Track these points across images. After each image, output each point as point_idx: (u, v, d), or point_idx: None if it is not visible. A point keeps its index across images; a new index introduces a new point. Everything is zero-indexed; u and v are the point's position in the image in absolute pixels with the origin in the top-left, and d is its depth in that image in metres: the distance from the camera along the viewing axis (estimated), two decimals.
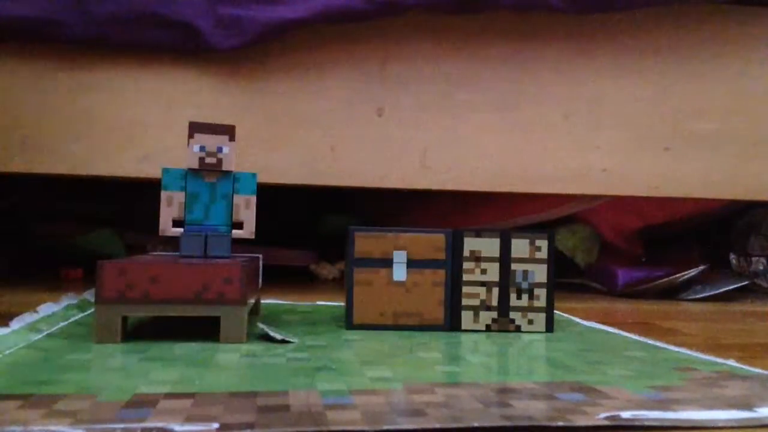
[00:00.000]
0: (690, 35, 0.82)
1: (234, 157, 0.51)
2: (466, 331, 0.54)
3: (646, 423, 0.29)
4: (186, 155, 0.76)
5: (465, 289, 0.55)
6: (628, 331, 0.56)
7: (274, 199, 1.11)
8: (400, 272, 0.54)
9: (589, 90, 0.81)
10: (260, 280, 0.60)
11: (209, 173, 0.51)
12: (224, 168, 0.51)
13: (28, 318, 0.50)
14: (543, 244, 0.55)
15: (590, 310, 0.74)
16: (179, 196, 0.51)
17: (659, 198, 0.84)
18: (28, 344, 0.43)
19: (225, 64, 0.75)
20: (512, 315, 0.55)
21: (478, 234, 0.55)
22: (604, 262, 1.04)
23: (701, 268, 0.90)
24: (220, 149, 0.50)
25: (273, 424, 0.27)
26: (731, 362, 0.44)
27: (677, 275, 0.89)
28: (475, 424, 0.28)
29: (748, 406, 0.32)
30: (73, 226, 1.04)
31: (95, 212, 1.08)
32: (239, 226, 0.51)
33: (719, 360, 0.45)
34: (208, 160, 0.50)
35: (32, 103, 0.73)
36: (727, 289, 0.89)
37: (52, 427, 0.26)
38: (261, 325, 0.49)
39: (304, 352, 0.44)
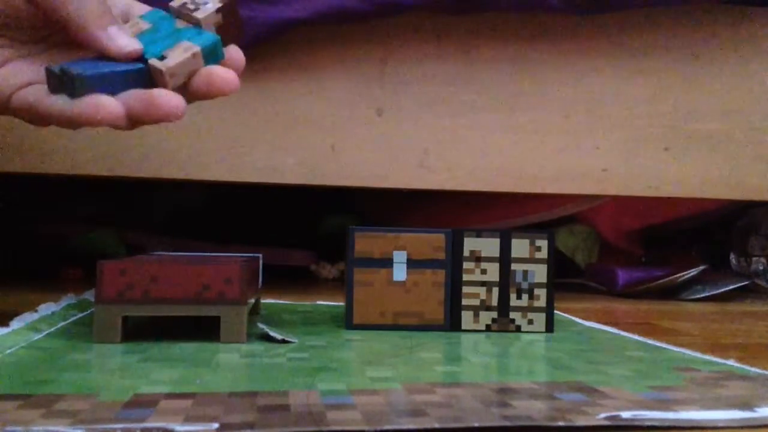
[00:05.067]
0: (690, 35, 0.82)
1: (213, 14, 0.45)
2: (466, 331, 0.55)
3: (646, 423, 0.29)
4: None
5: (465, 289, 0.55)
6: (628, 331, 0.56)
7: (274, 199, 1.11)
8: (400, 272, 0.54)
9: (589, 90, 0.81)
10: (260, 280, 0.60)
11: (181, 18, 0.45)
12: (196, 15, 0.45)
13: (28, 318, 0.50)
14: (543, 244, 0.55)
15: (590, 310, 0.74)
16: (144, 24, 0.45)
17: (659, 198, 0.84)
18: (28, 344, 0.43)
19: None
20: (512, 315, 0.55)
21: (478, 234, 0.55)
22: (604, 262, 1.04)
23: (701, 268, 0.90)
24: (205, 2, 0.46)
25: (273, 424, 0.27)
26: (731, 362, 0.44)
27: (677, 275, 0.89)
28: (475, 424, 0.28)
29: (748, 406, 0.32)
30: (73, 226, 1.04)
31: (95, 212, 1.08)
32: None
33: (719, 360, 0.45)
34: (189, 5, 0.45)
35: None
36: (727, 289, 0.89)
37: (52, 427, 0.26)
38: (261, 325, 0.49)
39: (304, 352, 0.44)
